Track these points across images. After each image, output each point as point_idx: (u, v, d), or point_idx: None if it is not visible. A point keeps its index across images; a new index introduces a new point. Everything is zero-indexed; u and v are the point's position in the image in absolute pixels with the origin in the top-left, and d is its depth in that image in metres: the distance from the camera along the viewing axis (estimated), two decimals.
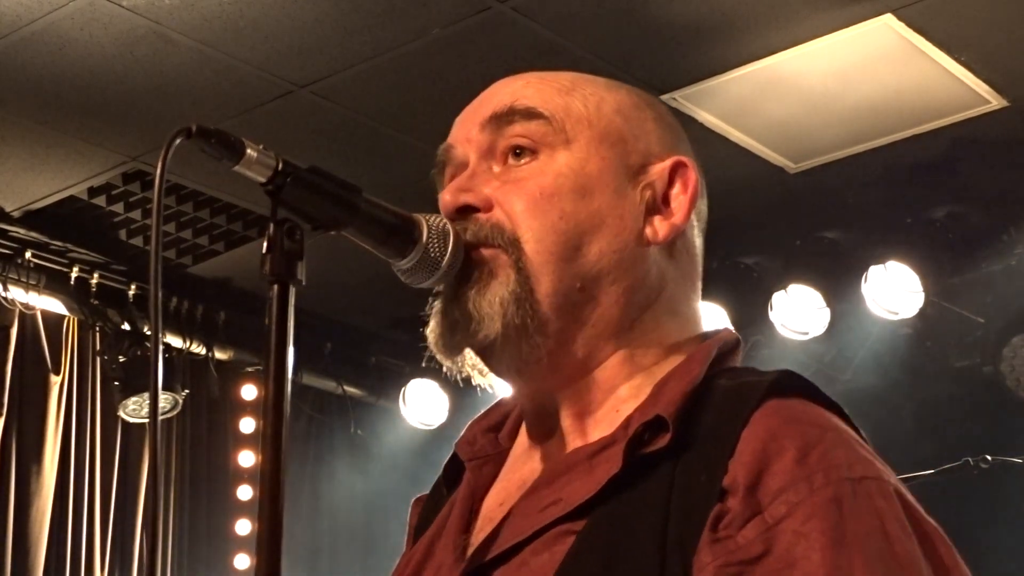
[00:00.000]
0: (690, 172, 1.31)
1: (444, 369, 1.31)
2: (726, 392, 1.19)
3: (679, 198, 1.30)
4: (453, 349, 1.27)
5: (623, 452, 1.17)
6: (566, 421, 1.28)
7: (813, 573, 1.06)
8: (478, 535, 1.25)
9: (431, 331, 1.28)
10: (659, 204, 1.30)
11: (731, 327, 5.30)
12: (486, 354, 1.27)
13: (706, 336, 1.31)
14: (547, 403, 1.29)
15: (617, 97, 1.34)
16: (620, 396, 1.26)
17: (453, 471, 1.39)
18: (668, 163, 1.32)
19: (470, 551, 1.24)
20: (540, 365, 1.26)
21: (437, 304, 1.29)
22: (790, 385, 1.19)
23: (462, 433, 1.39)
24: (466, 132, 1.32)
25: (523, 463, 1.30)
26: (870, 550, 1.07)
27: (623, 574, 1.11)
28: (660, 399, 1.21)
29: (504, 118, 1.29)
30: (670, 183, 1.31)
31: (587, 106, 1.31)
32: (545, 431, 1.29)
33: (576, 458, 1.23)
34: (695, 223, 1.34)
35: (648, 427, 1.18)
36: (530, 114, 1.29)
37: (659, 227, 1.29)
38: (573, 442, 1.26)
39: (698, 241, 1.35)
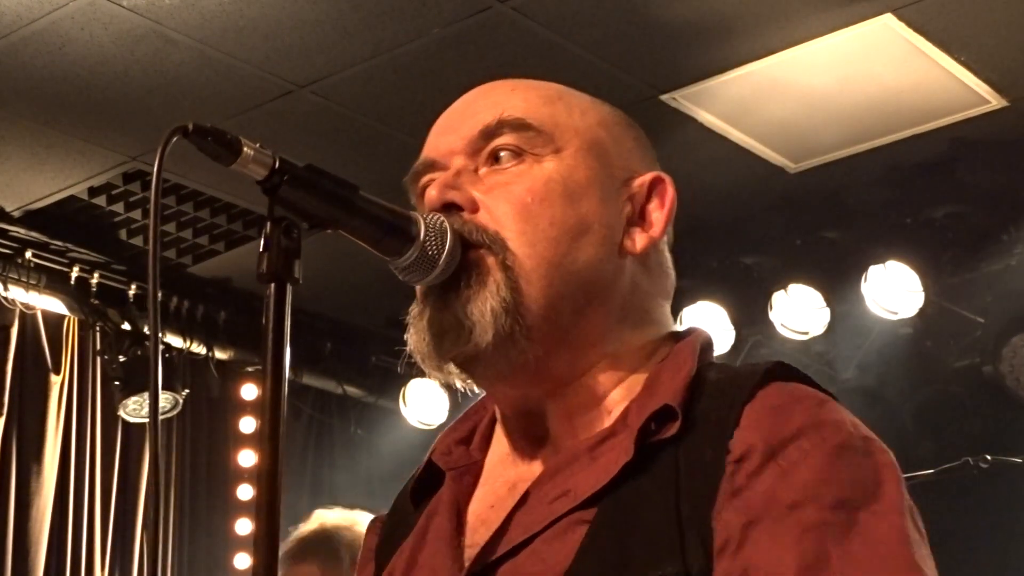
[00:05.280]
0: (668, 188, 1.34)
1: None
2: (719, 382, 1.23)
3: (656, 212, 1.33)
4: (442, 357, 1.26)
5: (635, 440, 1.19)
6: (555, 424, 1.28)
7: (805, 481, 1.11)
8: (473, 537, 1.26)
9: (415, 339, 1.28)
10: (636, 217, 1.33)
11: (727, 324, 5.29)
12: (471, 364, 1.27)
13: (679, 335, 1.34)
14: (533, 408, 1.29)
15: (599, 111, 1.36)
16: (612, 398, 1.28)
17: (425, 485, 1.38)
18: (648, 177, 1.34)
19: (469, 553, 1.24)
20: (527, 372, 1.26)
21: (420, 310, 1.28)
22: (787, 372, 1.23)
23: (433, 446, 1.39)
24: (449, 145, 1.32)
25: (506, 468, 1.31)
26: (861, 482, 1.13)
27: (642, 555, 1.13)
28: (657, 391, 1.24)
29: (494, 132, 1.30)
30: (648, 197, 1.34)
31: (572, 115, 1.33)
32: (531, 435, 1.30)
33: (576, 452, 1.24)
34: (665, 238, 1.37)
35: (655, 416, 1.20)
36: (519, 126, 1.30)
37: (638, 239, 1.32)
38: (564, 442, 1.27)
39: (668, 255, 1.38)
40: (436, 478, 1.36)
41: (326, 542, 3.06)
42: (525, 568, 1.18)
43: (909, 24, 3.91)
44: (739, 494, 1.12)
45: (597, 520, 1.17)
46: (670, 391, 1.22)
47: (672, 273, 1.38)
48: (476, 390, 1.34)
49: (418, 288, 1.29)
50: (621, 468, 1.18)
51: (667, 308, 1.37)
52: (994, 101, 4.32)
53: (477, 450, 1.36)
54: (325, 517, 3.19)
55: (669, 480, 1.16)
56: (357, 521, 3.15)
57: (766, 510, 1.11)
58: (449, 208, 1.27)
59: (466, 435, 1.38)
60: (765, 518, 1.11)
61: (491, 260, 1.25)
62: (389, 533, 1.40)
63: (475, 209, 1.27)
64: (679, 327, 1.37)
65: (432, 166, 1.33)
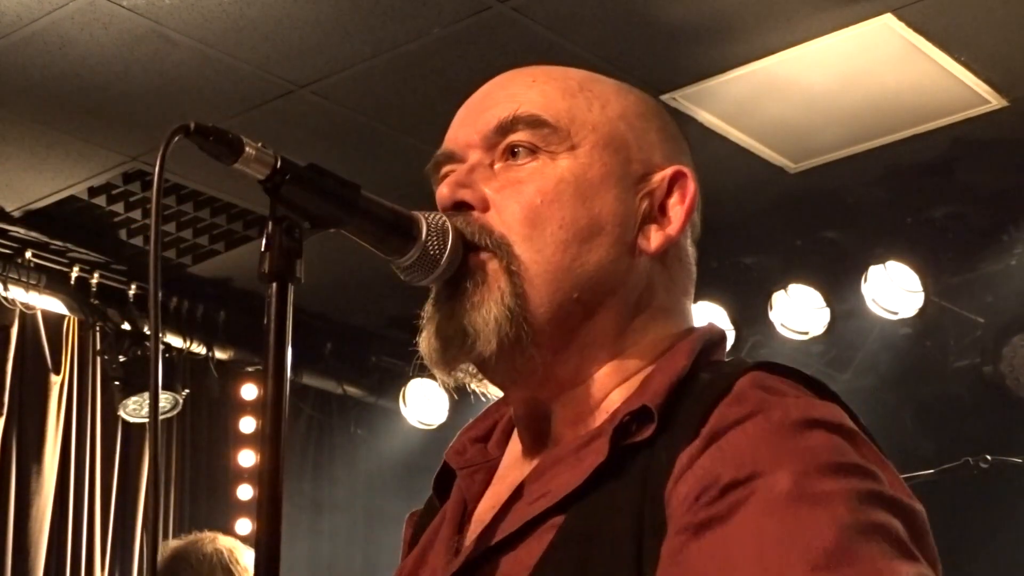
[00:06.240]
0: (689, 183, 1.31)
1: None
2: (705, 383, 1.19)
3: (676, 208, 1.30)
4: (448, 364, 1.26)
5: (610, 441, 1.17)
6: (559, 426, 1.27)
7: (741, 455, 1.06)
8: (470, 537, 1.25)
9: (425, 343, 1.27)
10: (656, 213, 1.30)
11: (727, 324, 5.28)
12: (482, 367, 1.27)
13: (691, 331, 1.31)
14: (540, 409, 1.28)
15: (623, 103, 1.33)
16: (612, 398, 1.26)
17: (443, 482, 1.38)
18: (668, 172, 1.31)
19: (462, 552, 1.24)
20: (535, 376, 1.25)
21: (429, 310, 1.28)
22: (771, 367, 1.19)
23: (451, 443, 1.38)
24: (467, 138, 1.31)
25: (514, 468, 1.30)
26: (802, 462, 1.06)
27: (599, 566, 1.10)
28: (646, 391, 1.21)
29: (509, 128, 1.28)
30: (668, 193, 1.30)
31: (592, 110, 1.30)
32: (538, 436, 1.29)
33: (564, 452, 1.23)
34: (688, 233, 1.34)
35: (635, 417, 1.18)
36: (534, 122, 1.28)
37: (653, 237, 1.29)
38: (566, 444, 1.25)
39: (691, 250, 1.35)
40: (455, 474, 1.36)
41: (175, 573, 3.38)
42: (501, 570, 1.17)
43: (909, 24, 3.91)
44: (680, 479, 1.09)
45: (565, 526, 1.15)
46: (653, 391, 1.19)
47: (693, 269, 1.35)
48: (480, 392, 1.33)
49: (433, 289, 1.28)
50: (596, 470, 1.16)
51: (686, 305, 1.34)
52: (994, 101, 4.32)
53: (495, 447, 1.36)
54: (172, 546, 3.50)
55: (639, 485, 1.13)
56: (200, 538, 3.49)
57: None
58: (460, 207, 1.26)
59: (484, 432, 1.38)
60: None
61: (495, 264, 1.24)
62: (419, 525, 1.40)
63: (486, 208, 1.26)
64: (697, 324, 1.33)
65: (451, 157, 1.32)
